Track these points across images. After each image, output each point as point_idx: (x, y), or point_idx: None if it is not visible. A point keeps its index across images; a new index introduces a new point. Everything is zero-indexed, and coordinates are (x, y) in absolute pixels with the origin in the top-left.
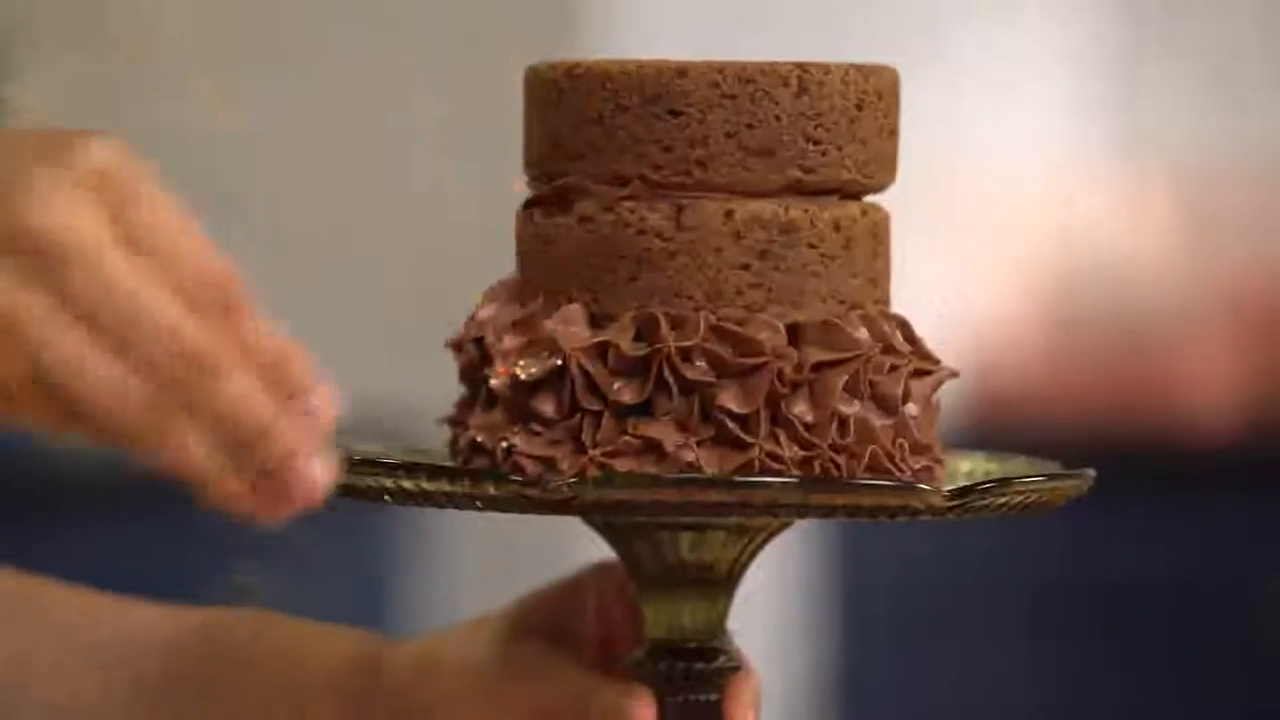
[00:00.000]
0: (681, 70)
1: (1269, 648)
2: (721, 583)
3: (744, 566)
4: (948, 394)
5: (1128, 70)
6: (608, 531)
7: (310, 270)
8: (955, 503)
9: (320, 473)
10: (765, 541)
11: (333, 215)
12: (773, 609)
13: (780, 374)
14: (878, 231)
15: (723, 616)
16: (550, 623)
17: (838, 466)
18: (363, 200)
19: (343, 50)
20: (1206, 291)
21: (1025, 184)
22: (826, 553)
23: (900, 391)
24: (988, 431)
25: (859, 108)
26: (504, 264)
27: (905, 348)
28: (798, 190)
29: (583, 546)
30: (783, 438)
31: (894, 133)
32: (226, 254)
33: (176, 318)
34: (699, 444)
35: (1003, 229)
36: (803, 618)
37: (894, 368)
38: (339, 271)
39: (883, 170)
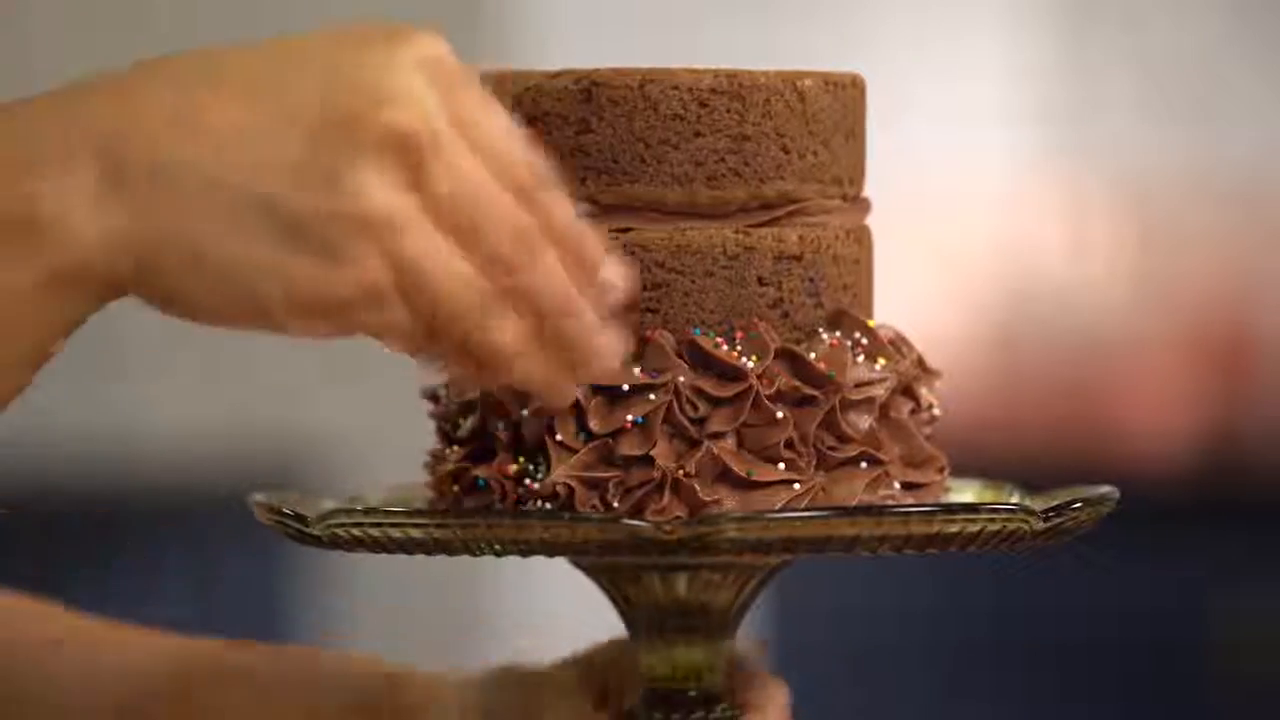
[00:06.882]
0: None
1: (1219, 684)
2: (720, 625)
3: (744, 607)
4: None
5: (1075, 87)
6: (596, 573)
7: None
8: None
9: (614, 344)
10: (765, 581)
11: None
12: None
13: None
14: None
15: (724, 660)
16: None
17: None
18: None
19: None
20: (1154, 312)
21: (969, 205)
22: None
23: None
24: None
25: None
26: None
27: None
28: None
29: (477, 564)
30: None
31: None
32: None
33: (511, 207)
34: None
35: (945, 251)
36: None
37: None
38: None
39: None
